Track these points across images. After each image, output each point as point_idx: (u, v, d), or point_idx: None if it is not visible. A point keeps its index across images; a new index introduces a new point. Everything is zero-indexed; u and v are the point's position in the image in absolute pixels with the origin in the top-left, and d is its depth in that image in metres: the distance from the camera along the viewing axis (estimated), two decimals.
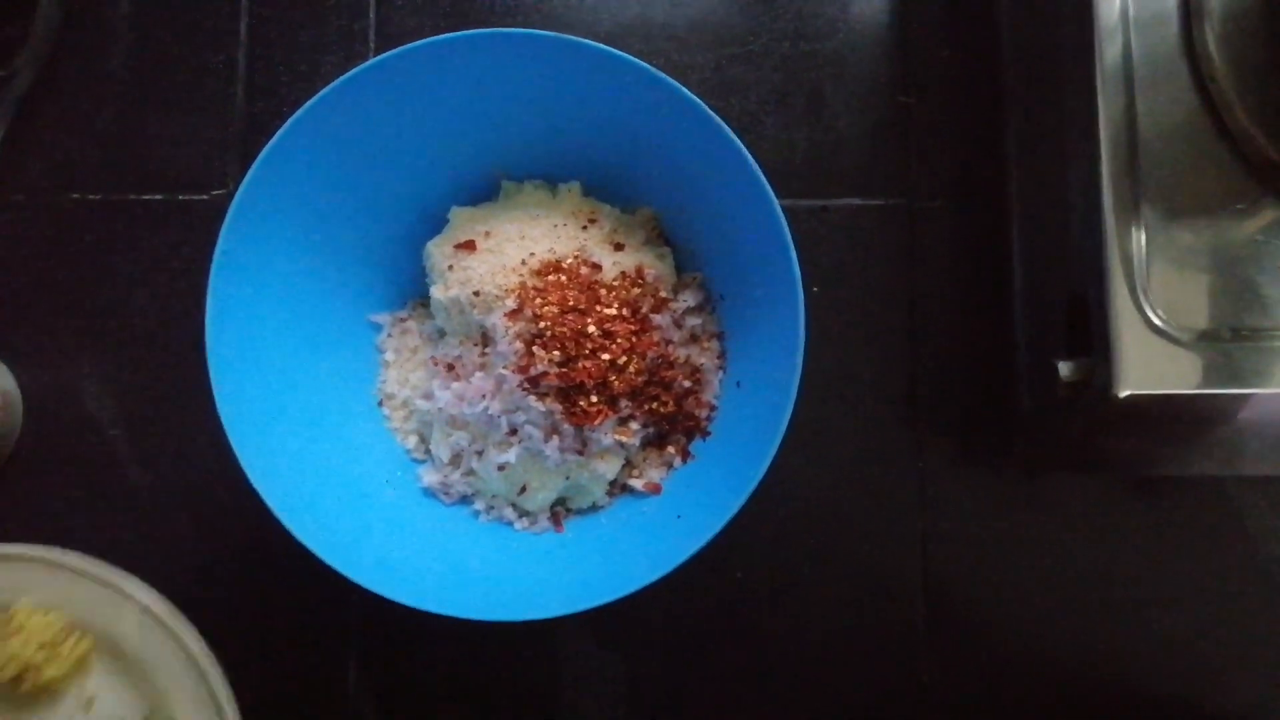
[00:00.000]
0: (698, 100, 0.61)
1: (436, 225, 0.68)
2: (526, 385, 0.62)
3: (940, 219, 0.75)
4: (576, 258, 0.65)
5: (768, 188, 0.61)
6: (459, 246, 0.65)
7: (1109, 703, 0.71)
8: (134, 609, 0.58)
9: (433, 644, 0.70)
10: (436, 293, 0.66)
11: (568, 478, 0.65)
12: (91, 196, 0.75)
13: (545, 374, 0.62)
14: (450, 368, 0.65)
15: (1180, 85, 0.59)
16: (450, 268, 0.65)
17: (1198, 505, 0.72)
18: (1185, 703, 0.71)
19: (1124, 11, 0.60)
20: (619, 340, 0.63)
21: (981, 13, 0.75)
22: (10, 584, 0.58)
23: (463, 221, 0.67)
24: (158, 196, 0.75)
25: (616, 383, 0.62)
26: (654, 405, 0.64)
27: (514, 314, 0.63)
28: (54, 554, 0.58)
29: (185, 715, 0.57)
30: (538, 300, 0.62)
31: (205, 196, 0.75)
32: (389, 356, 0.69)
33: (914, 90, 0.76)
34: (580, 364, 0.61)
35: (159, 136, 0.75)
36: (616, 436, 0.64)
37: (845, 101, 0.76)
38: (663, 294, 0.66)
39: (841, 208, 0.75)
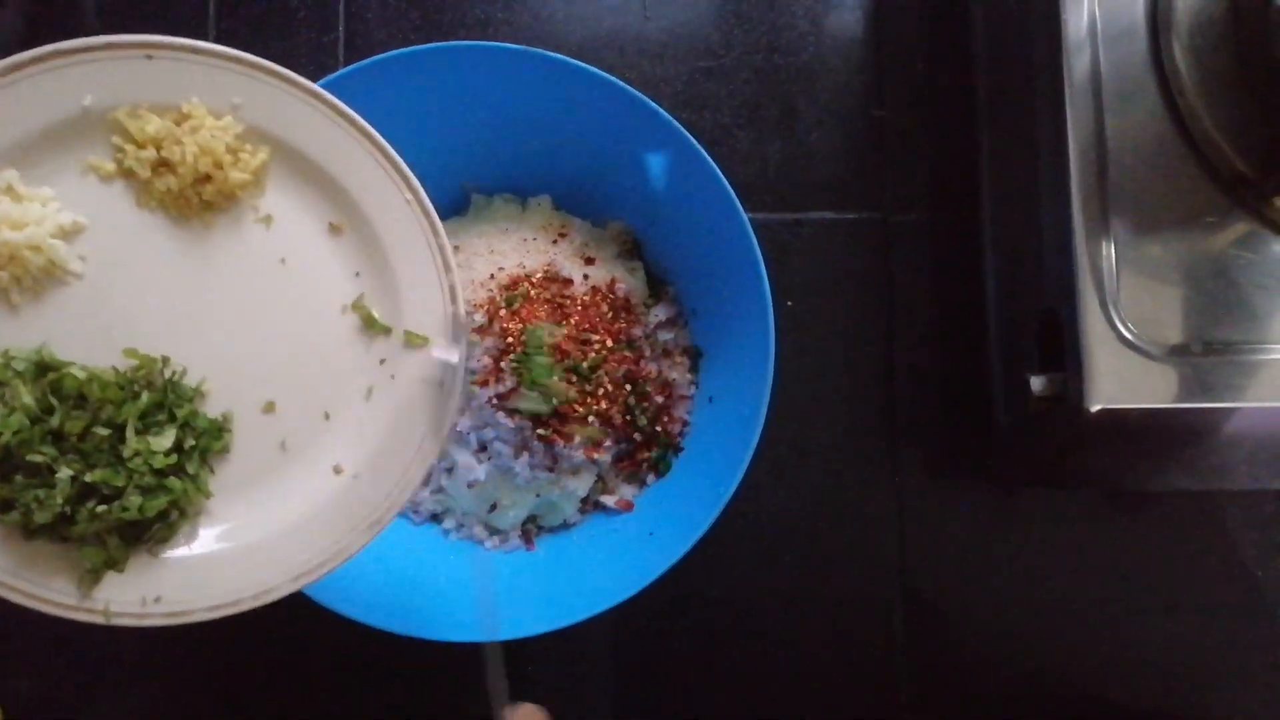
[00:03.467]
0: (667, 114, 0.60)
1: None
2: (495, 401, 0.61)
3: (914, 233, 0.74)
4: (546, 272, 0.64)
5: (737, 202, 0.60)
6: None
7: (1085, 713, 0.71)
8: (315, 106, 0.50)
9: (401, 664, 0.69)
10: None
11: (538, 495, 0.64)
12: None
13: (514, 390, 0.61)
14: None
15: (1149, 99, 0.59)
16: None
17: (1173, 520, 0.72)
18: (1165, 716, 0.71)
19: (1092, 26, 0.60)
20: (590, 355, 0.62)
21: (955, 27, 0.75)
22: (176, 82, 0.49)
23: None
24: None
25: (588, 398, 0.62)
26: (625, 421, 0.63)
27: (483, 330, 0.62)
28: (220, 49, 0.50)
29: (380, 220, 0.51)
30: (506, 315, 0.62)
31: None
32: None
33: (887, 104, 0.76)
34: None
35: None
36: (587, 454, 0.63)
37: (818, 115, 0.76)
38: (634, 309, 0.66)
39: (815, 221, 0.75)
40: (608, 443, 0.64)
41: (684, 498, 0.63)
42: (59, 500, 0.45)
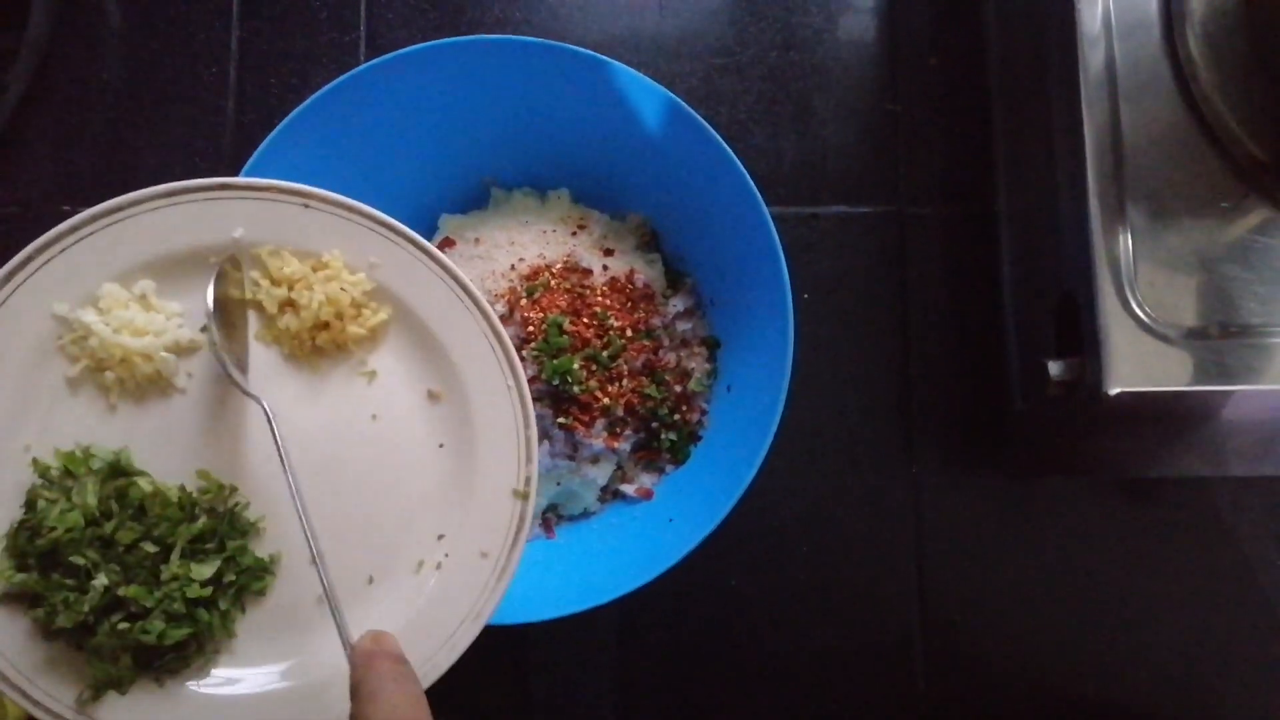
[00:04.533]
0: (687, 107, 0.61)
1: (427, 232, 0.68)
2: None
3: (929, 225, 0.75)
4: (566, 263, 0.65)
5: (757, 194, 0.61)
6: (440, 245, 0.66)
7: (1103, 704, 0.71)
8: (443, 279, 0.51)
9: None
10: None
11: (559, 484, 0.64)
12: (83, 208, 0.74)
13: (535, 379, 0.62)
14: None
15: (1163, 88, 0.59)
16: None
17: (1189, 507, 0.72)
18: (1178, 705, 0.71)
19: (1106, 18, 0.60)
20: (610, 345, 0.63)
21: (968, 21, 0.76)
22: (322, 232, 0.51)
23: (453, 228, 0.67)
24: None
25: (607, 388, 0.62)
26: (645, 410, 0.64)
27: (503, 319, 0.63)
28: (372, 211, 0.51)
29: (479, 394, 0.51)
30: (527, 305, 0.62)
31: None
32: None
33: (901, 98, 0.77)
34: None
35: (150, 147, 0.76)
36: (607, 443, 0.63)
37: (833, 110, 0.77)
38: (653, 299, 0.66)
39: (831, 215, 0.75)
40: (627, 431, 0.64)
41: (702, 486, 0.63)
42: (87, 607, 0.45)
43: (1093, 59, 0.60)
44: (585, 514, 0.66)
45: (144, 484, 0.47)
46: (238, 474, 0.49)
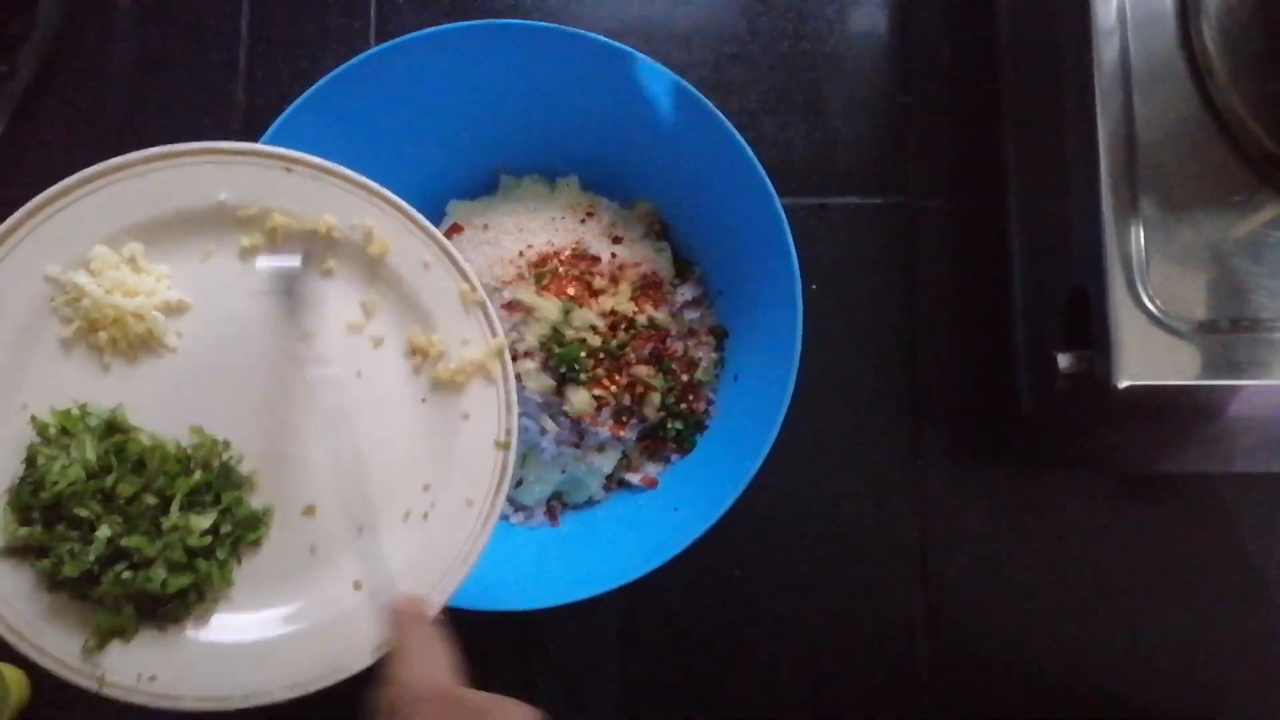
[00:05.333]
0: (699, 94, 0.61)
1: (436, 218, 0.68)
2: (521, 377, 0.62)
3: (939, 217, 0.75)
4: (574, 250, 0.65)
5: (768, 183, 0.61)
6: (447, 232, 0.66)
7: (1107, 698, 0.71)
8: (426, 241, 0.53)
9: None
10: None
11: (564, 471, 0.64)
12: None
13: (542, 367, 0.61)
14: None
15: (1178, 81, 0.59)
16: None
17: (1195, 503, 0.71)
18: (1182, 699, 0.70)
19: (1121, 9, 0.60)
20: (616, 334, 0.63)
21: (980, 12, 0.75)
22: (304, 195, 0.52)
23: (461, 215, 0.67)
24: None
25: (614, 376, 0.62)
26: (651, 399, 0.64)
27: (511, 306, 0.63)
28: (351, 174, 0.53)
29: (459, 351, 0.52)
30: (534, 291, 0.62)
31: None
32: None
33: (913, 89, 0.76)
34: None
35: (160, 132, 0.74)
36: (613, 430, 0.63)
37: (844, 101, 0.76)
38: (661, 288, 0.66)
39: (840, 206, 0.75)
40: (633, 420, 0.64)
41: (708, 475, 0.63)
42: (91, 557, 0.46)
43: (1107, 51, 0.60)
44: (590, 502, 0.66)
45: (143, 438, 0.49)
46: (229, 429, 0.50)
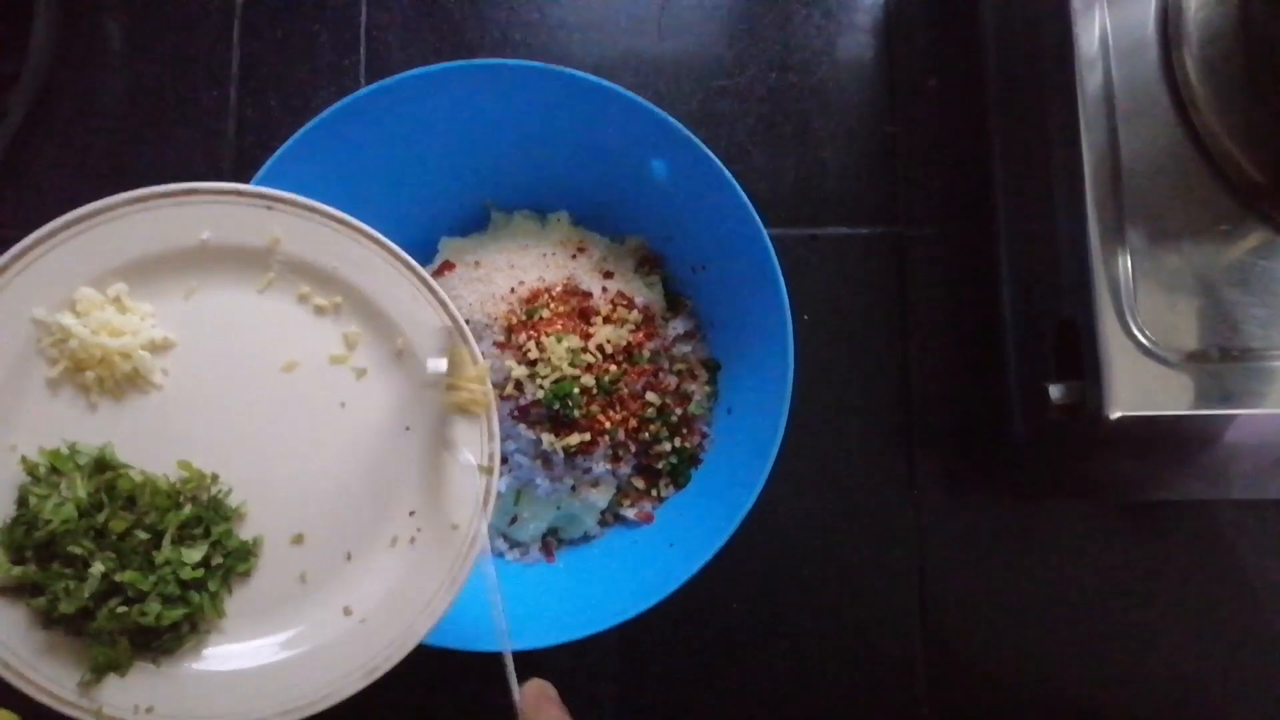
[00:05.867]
0: (684, 129, 0.61)
1: (427, 256, 0.68)
2: (516, 414, 0.62)
3: (929, 246, 0.75)
4: (566, 286, 0.65)
5: (756, 217, 0.61)
6: (438, 270, 0.66)
7: None
8: (403, 273, 0.53)
9: (417, 675, 0.69)
10: None
11: (559, 507, 0.64)
12: None
13: (536, 403, 0.61)
14: None
15: (1161, 111, 0.60)
16: None
17: (1190, 530, 0.71)
18: None
19: (1104, 40, 0.61)
20: (610, 369, 0.63)
21: (966, 44, 0.76)
22: (286, 232, 0.53)
23: (452, 252, 0.68)
24: None
25: (607, 411, 0.62)
26: (645, 434, 0.64)
27: (502, 344, 0.63)
28: (332, 211, 0.53)
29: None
30: (526, 327, 0.62)
31: None
32: None
33: (901, 119, 0.77)
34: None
35: (151, 171, 0.76)
36: (607, 465, 0.63)
37: (832, 131, 0.77)
38: (653, 322, 0.66)
39: (830, 236, 0.75)
40: (628, 455, 0.64)
41: (703, 510, 0.63)
42: (87, 593, 0.47)
43: (1090, 81, 0.60)
44: (585, 538, 0.66)
45: (134, 475, 0.50)
46: (217, 463, 0.51)
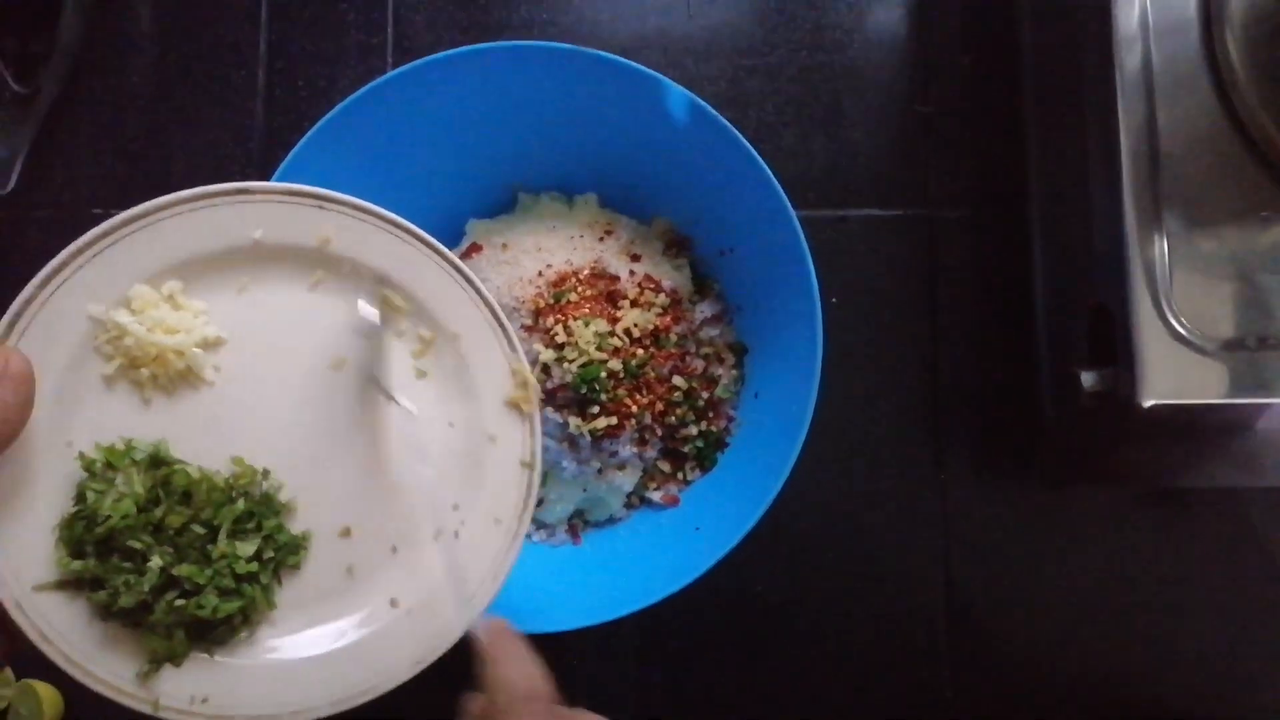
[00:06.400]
0: (713, 111, 0.61)
1: (454, 238, 0.68)
2: (544, 397, 0.62)
3: (960, 229, 0.74)
4: (593, 269, 0.65)
5: (784, 197, 0.60)
6: (465, 252, 0.66)
7: (1134, 713, 0.70)
8: (452, 275, 0.54)
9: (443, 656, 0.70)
10: None
11: (585, 490, 0.64)
12: (114, 211, 0.73)
13: (563, 386, 0.62)
14: None
15: (1201, 93, 0.58)
16: None
17: (1219, 517, 0.71)
18: (1209, 714, 0.70)
19: (1143, 20, 0.59)
20: (637, 352, 0.63)
21: (1001, 22, 0.75)
22: (338, 232, 0.53)
23: (480, 234, 0.68)
24: None
25: (634, 395, 0.62)
26: (672, 417, 0.64)
27: (529, 328, 0.63)
28: (382, 211, 0.54)
29: (486, 380, 0.54)
30: (554, 311, 0.62)
31: None
32: None
33: (933, 99, 0.76)
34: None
35: (180, 151, 0.76)
36: (634, 449, 0.63)
37: (863, 112, 0.76)
38: (680, 305, 0.66)
39: (860, 218, 0.75)
40: (654, 438, 0.64)
41: (729, 494, 0.63)
42: (146, 587, 0.48)
43: (1129, 60, 0.59)
44: (611, 520, 0.67)
45: (190, 470, 0.50)
46: (267, 458, 0.52)
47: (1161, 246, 0.56)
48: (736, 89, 0.76)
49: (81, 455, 0.50)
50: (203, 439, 0.51)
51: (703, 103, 0.61)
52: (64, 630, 0.49)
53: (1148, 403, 0.54)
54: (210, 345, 0.52)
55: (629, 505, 0.67)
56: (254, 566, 0.50)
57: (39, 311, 0.50)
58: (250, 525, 0.51)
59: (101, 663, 0.49)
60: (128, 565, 0.48)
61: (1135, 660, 0.70)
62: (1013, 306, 0.72)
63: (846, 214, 0.75)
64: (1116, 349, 0.57)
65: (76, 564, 0.48)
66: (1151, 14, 0.59)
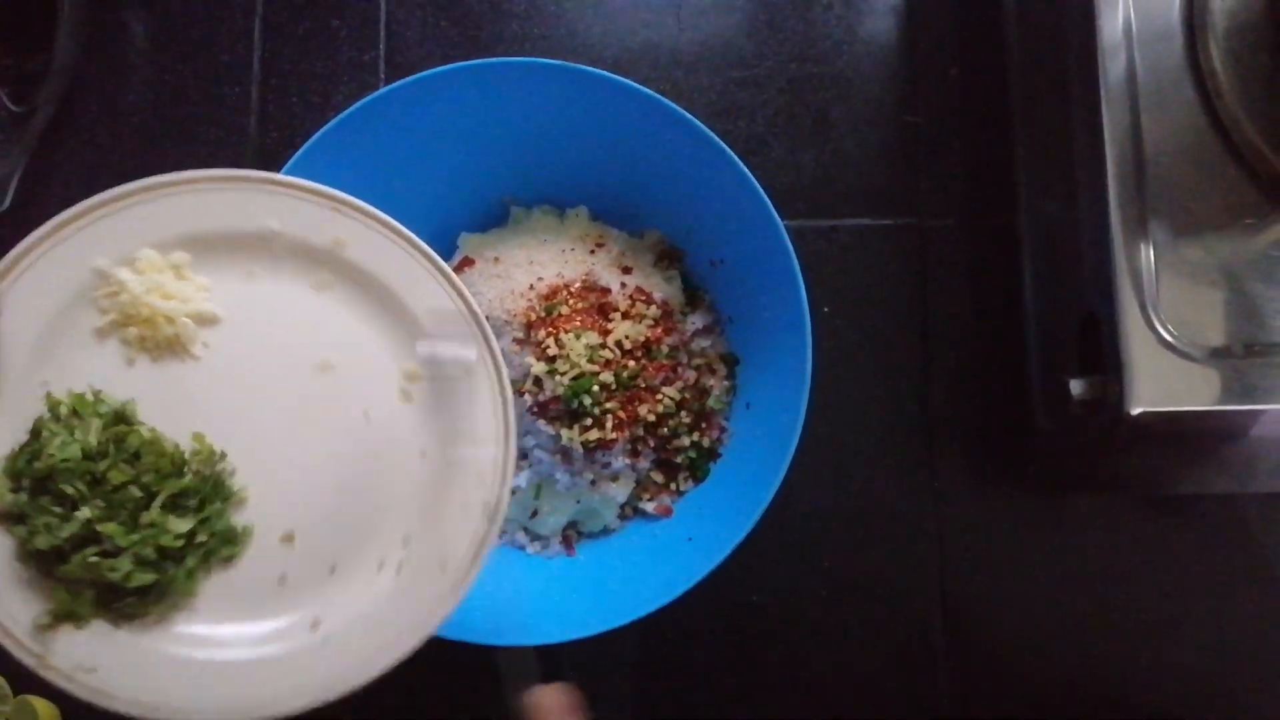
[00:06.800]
0: (701, 124, 0.61)
1: (447, 252, 0.69)
2: (536, 410, 0.62)
3: (950, 238, 0.75)
4: (585, 282, 0.65)
5: (773, 212, 0.61)
6: (458, 266, 0.66)
7: None
8: (452, 297, 0.54)
9: (437, 668, 0.70)
10: None
11: (579, 501, 0.65)
12: None
13: (555, 398, 0.62)
14: None
15: (1186, 102, 0.59)
16: None
17: (1214, 523, 0.71)
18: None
19: (1127, 29, 0.60)
20: (628, 364, 0.63)
21: (988, 31, 0.75)
22: (350, 236, 0.54)
23: (472, 247, 0.68)
24: None
25: (626, 407, 0.63)
26: (664, 428, 0.64)
27: (521, 341, 0.63)
28: (395, 224, 0.54)
29: (466, 410, 0.53)
30: (545, 324, 0.63)
31: None
32: None
33: (922, 109, 0.76)
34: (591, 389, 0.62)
35: (175, 168, 0.76)
36: (627, 460, 0.64)
37: (852, 122, 0.76)
38: (672, 317, 0.67)
39: (851, 228, 0.75)
40: (647, 449, 0.64)
41: (722, 504, 0.64)
42: (65, 533, 0.47)
43: (1113, 70, 0.60)
44: (605, 531, 0.67)
45: (143, 431, 0.50)
46: (230, 443, 0.51)
47: (1148, 254, 0.57)
48: (726, 101, 0.76)
49: (49, 395, 0.50)
50: (172, 409, 0.51)
51: (691, 117, 0.61)
52: None
53: (1136, 410, 0.54)
54: (205, 321, 0.53)
55: (623, 516, 0.67)
56: (180, 544, 0.49)
57: (44, 255, 0.50)
58: (191, 503, 0.50)
59: (4, 603, 0.48)
60: (56, 509, 0.47)
61: (1130, 667, 0.70)
62: (1003, 315, 0.72)
63: (837, 224, 0.75)
64: (1105, 357, 0.57)
65: (9, 497, 0.48)
66: (1135, 23, 0.60)
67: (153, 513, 0.49)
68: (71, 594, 0.48)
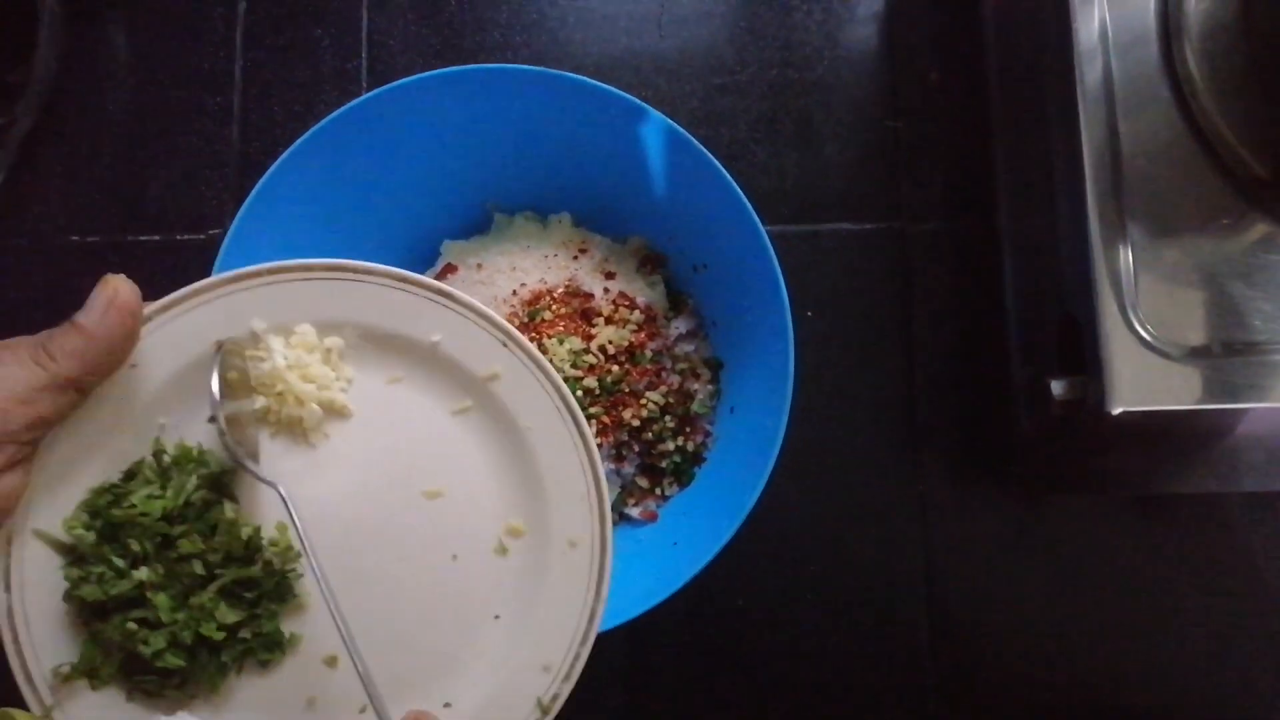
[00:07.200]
0: (684, 131, 0.61)
1: (429, 259, 0.69)
2: None
3: (931, 241, 0.75)
4: (568, 288, 0.65)
5: (755, 217, 0.61)
6: (440, 273, 0.66)
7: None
8: (549, 393, 0.51)
9: None
10: None
11: None
12: (91, 239, 0.76)
13: None
14: None
15: (1162, 104, 0.59)
16: None
17: (1198, 523, 0.71)
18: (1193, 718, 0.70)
19: (1104, 33, 0.60)
20: (612, 369, 0.63)
21: (967, 38, 0.76)
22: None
23: (455, 254, 0.68)
24: (156, 237, 0.76)
25: (611, 412, 0.63)
26: (649, 433, 0.64)
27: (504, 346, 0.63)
28: (474, 303, 0.51)
29: (560, 549, 0.50)
30: (528, 329, 0.63)
31: (202, 236, 0.75)
32: None
33: (903, 114, 0.77)
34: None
35: (157, 178, 0.76)
36: (611, 465, 0.64)
37: (834, 127, 0.77)
38: (655, 321, 0.67)
39: (833, 233, 0.75)
40: (631, 454, 0.64)
41: (707, 508, 0.64)
42: (114, 591, 0.45)
43: (1090, 73, 0.60)
44: None
45: (228, 509, 0.48)
46: (312, 544, 0.47)
47: (1126, 255, 0.57)
48: (708, 107, 0.77)
49: (157, 440, 0.48)
50: (268, 491, 0.48)
51: (674, 123, 0.62)
52: (31, 584, 0.46)
53: (1116, 410, 0.55)
54: (335, 412, 0.50)
55: None
56: (222, 635, 0.46)
57: (206, 303, 0.49)
58: (249, 595, 0.47)
59: (35, 637, 0.46)
60: (117, 562, 0.46)
61: (1117, 668, 0.70)
62: (985, 317, 0.73)
63: (819, 228, 0.75)
64: (1085, 358, 0.57)
65: (79, 531, 0.46)
66: (1111, 27, 0.60)
67: (206, 595, 0.46)
68: (101, 652, 0.46)
